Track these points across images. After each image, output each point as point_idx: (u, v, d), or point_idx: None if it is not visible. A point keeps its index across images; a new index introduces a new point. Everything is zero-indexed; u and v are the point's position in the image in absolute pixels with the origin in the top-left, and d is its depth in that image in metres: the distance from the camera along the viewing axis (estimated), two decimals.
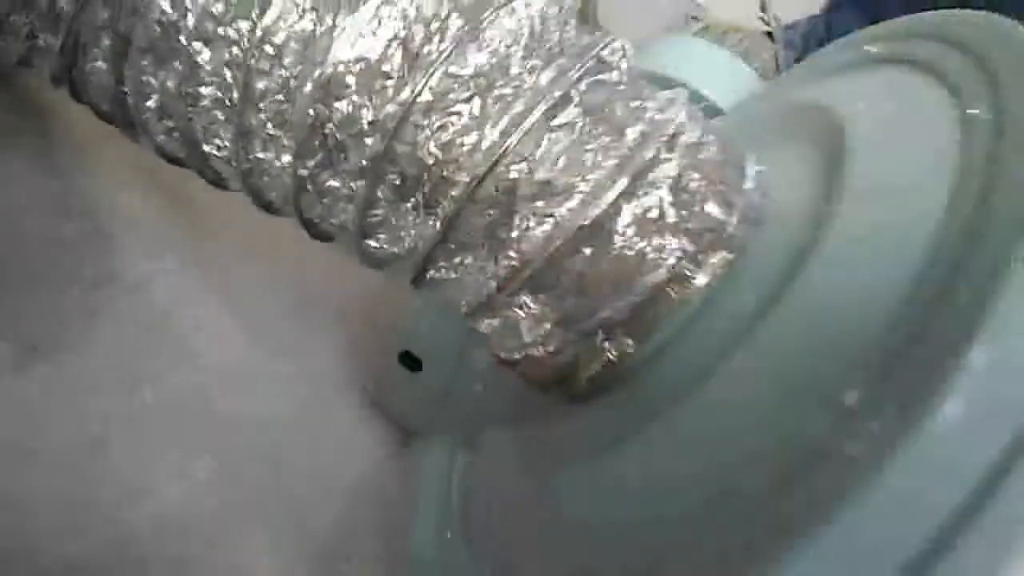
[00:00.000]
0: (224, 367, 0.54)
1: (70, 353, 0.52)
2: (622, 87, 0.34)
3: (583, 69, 0.32)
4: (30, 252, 0.53)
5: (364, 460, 0.55)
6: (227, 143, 0.37)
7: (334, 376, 0.57)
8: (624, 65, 0.34)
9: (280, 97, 0.34)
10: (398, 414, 0.55)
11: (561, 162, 0.31)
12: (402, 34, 0.33)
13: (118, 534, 0.47)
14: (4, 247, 0.52)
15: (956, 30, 0.35)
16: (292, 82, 0.34)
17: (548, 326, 0.34)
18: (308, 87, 0.33)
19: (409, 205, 0.34)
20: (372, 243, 0.36)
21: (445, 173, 0.32)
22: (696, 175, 0.32)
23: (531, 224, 0.32)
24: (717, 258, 0.32)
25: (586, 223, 0.31)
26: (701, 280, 0.32)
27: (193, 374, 0.53)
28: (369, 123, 0.33)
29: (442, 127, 0.32)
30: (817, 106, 0.38)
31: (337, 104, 0.33)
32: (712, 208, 0.32)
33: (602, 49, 0.34)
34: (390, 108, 0.32)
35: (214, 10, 0.35)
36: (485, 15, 0.33)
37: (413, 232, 0.34)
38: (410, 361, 0.53)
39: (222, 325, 0.56)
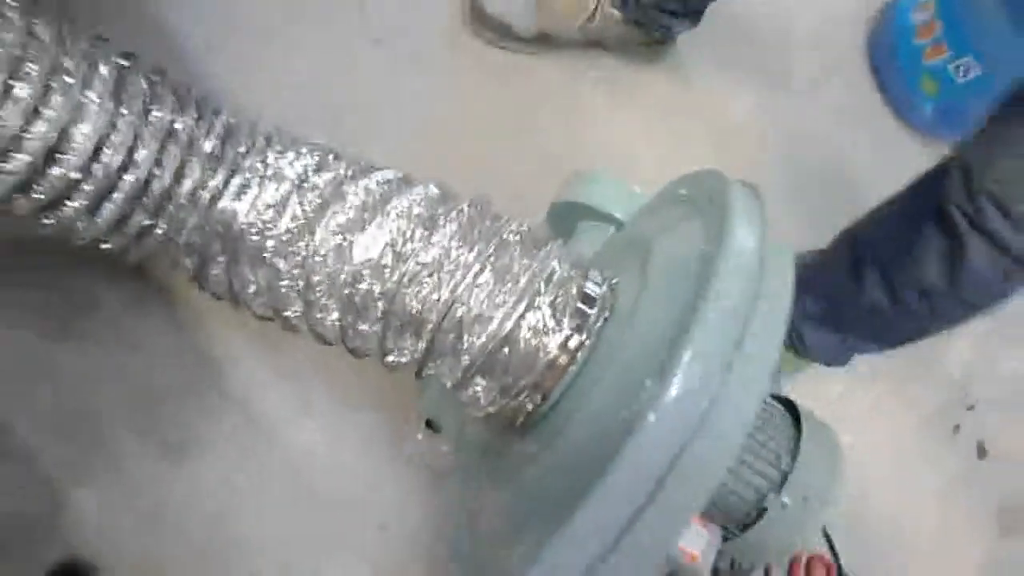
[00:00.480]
0: (310, 447, 0.81)
1: (204, 448, 0.79)
2: (517, 252, 0.60)
3: (493, 247, 0.59)
4: (171, 374, 0.80)
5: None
6: (299, 310, 0.64)
7: (388, 441, 0.83)
8: (518, 239, 0.61)
9: (327, 283, 0.61)
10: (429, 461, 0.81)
11: (485, 303, 0.58)
12: (391, 241, 0.59)
13: None
14: (161, 373, 0.79)
15: (707, 182, 0.61)
16: (333, 274, 0.61)
17: (494, 394, 0.59)
18: (342, 277, 0.60)
19: (407, 335, 0.60)
20: (390, 358, 0.62)
21: (423, 317, 0.58)
22: (562, 297, 0.58)
23: (474, 339, 0.58)
24: (577, 343, 0.58)
25: (503, 335, 0.57)
26: (568, 359, 0.57)
27: (286, 452, 0.80)
28: (379, 294, 0.59)
29: (418, 291, 0.58)
30: (642, 236, 0.64)
31: (359, 285, 0.60)
32: (570, 318, 0.58)
33: (505, 230, 0.60)
34: (389, 285, 0.59)
35: (284, 237, 0.62)
36: (437, 225, 0.59)
37: (409, 350, 0.60)
38: (431, 426, 0.79)
39: (304, 416, 0.82)
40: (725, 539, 0.66)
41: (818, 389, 1.05)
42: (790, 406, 0.69)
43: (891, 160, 1.19)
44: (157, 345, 0.81)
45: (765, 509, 0.64)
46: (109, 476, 0.77)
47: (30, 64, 0.55)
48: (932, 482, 1.10)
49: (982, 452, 1.13)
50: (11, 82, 0.54)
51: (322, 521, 0.82)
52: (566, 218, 0.86)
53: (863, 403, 1.09)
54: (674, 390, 0.48)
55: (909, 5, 1.20)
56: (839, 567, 0.98)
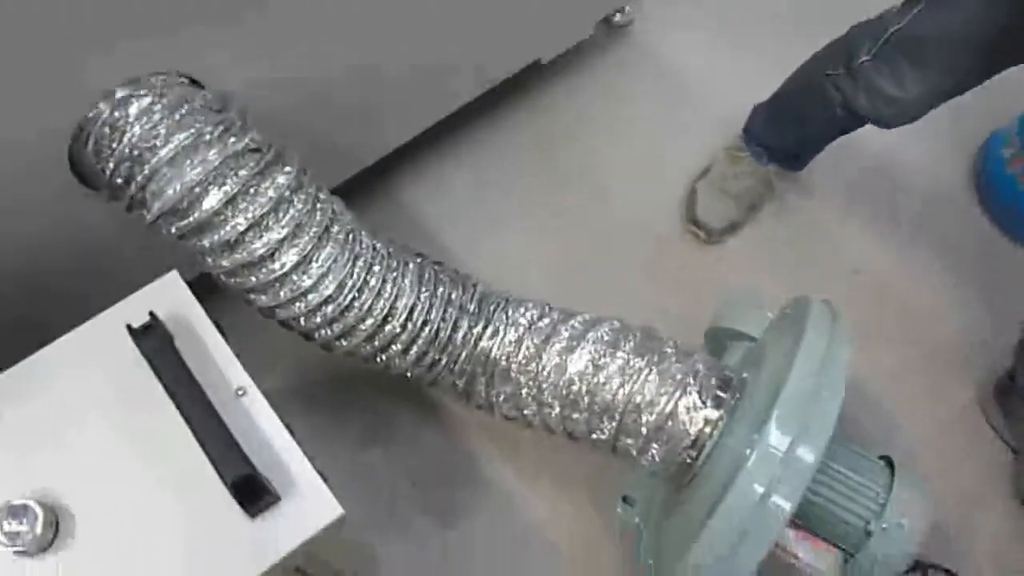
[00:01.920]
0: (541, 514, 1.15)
1: (470, 517, 1.14)
2: (673, 359, 0.93)
3: (656, 356, 0.93)
4: (444, 466, 1.18)
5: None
6: (534, 409, 0.99)
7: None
8: (673, 350, 0.94)
9: (551, 389, 0.97)
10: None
11: (653, 392, 0.91)
12: (591, 358, 0.95)
13: None
14: (438, 465, 1.16)
15: (799, 303, 0.92)
16: (555, 382, 0.96)
17: (665, 455, 0.91)
18: (561, 383, 0.95)
19: (604, 418, 0.94)
20: (593, 436, 0.96)
21: (614, 404, 0.93)
22: (705, 387, 0.90)
23: (648, 417, 0.91)
24: (716, 416, 0.89)
25: (667, 412, 0.90)
26: (711, 428, 0.89)
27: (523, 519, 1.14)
28: (585, 392, 0.94)
29: (609, 388, 0.93)
30: (762, 343, 0.96)
31: (572, 388, 0.95)
32: (711, 400, 0.90)
33: (665, 346, 0.94)
34: (591, 386, 0.94)
35: (522, 361, 0.99)
36: (619, 345, 0.94)
37: (606, 428, 0.94)
38: (627, 500, 1.11)
39: (534, 495, 1.17)
40: (845, 561, 0.93)
41: None
42: (887, 459, 0.96)
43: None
44: (438, 447, 1.20)
45: (871, 533, 0.90)
46: (404, 538, 1.14)
47: (376, 267, 0.96)
48: None
49: None
50: (368, 278, 0.96)
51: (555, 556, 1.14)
52: (719, 339, 1.18)
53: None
54: (767, 441, 0.79)
55: (999, 141, 1.48)
56: None
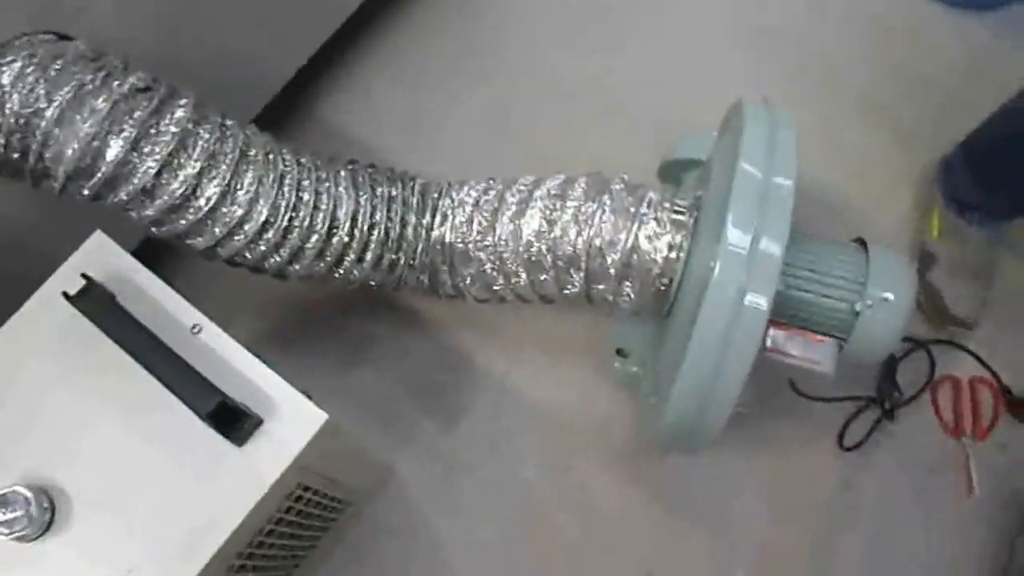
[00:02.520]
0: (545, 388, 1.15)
1: (472, 412, 1.15)
2: (624, 195, 0.91)
3: (606, 196, 0.91)
4: (438, 368, 1.18)
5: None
6: (501, 282, 0.98)
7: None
8: (622, 187, 0.92)
9: (512, 256, 0.95)
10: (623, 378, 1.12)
11: (611, 232, 0.90)
12: (543, 215, 0.93)
13: None
14: (431, 369, 1.17)
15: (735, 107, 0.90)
16: (514, 249, 0.95)
17: (640, 290, 0.91)
18: (520, 248, 0.94)
19: (571, 271, 0.93)
20: (566, 291, 0.95)
21: (577, 254, 0.91)
22: (661, 213, 0.89)
23: (613, 256, 0.90)
24: (680, 239, 0.88)
25: (629, 247, 0.89)
26: (677, 251, 0.88)
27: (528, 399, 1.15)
28: (546, 250, 0.93)
29: (568, 239, 0.92)
30: (710, 158, 0.94)
31: (532, 249, 0.93)
32: (670, 224, 0.89)
33: (613, 184, 0.93)
34: (549, 242, 0.92)
35: (478, 238, 0.97)
36: (568, 195, 0.93)
37: (576, 281, 0.93)
38: (621, 352, 1.11)
39: (532, 372, 1.17)
40: (841, 348, 0.93)
41: None
42: (861, 241, 0.96)
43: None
44: (422, 351, 1.20)
45: (858, 313, 0.90)
46: (411, 448, 1.15)
47: (304, 182, 0.94)
48: None
49: None
50: (300, 194, 0.93)
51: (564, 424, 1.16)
52: (672, 174, 1.16)
53: None
54: (727, 245, 0.78)
55: None
56: (1001, 384, 1.19)
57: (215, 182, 0.87)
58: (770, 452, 1.15)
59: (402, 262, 1.01)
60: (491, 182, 1.01)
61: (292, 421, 0.75)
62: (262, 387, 0.77)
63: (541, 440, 1.15)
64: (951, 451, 1.15)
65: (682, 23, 1.46)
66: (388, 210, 0.99)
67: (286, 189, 0.92)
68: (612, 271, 0.91)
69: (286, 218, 0.92)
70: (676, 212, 0.91)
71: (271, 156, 0.92)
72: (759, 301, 0.79)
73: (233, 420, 0.72)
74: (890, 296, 0.90)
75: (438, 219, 1.00)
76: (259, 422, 0.75)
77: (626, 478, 1.13)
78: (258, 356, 0.80)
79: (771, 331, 0.91)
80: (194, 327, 0.79)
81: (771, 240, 0.80)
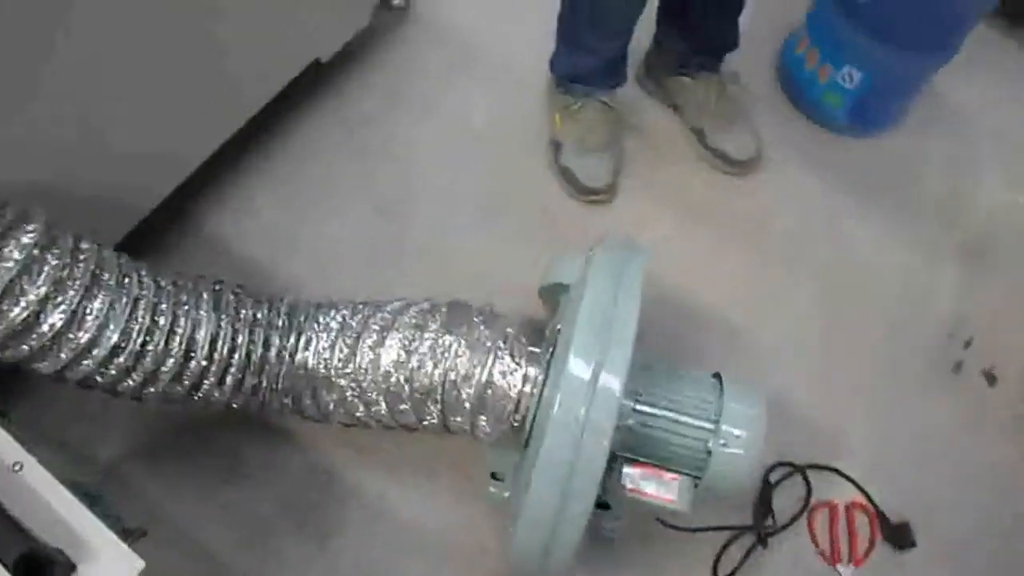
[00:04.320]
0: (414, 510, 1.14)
1: (341, 529, 1.12)
2: (482, 328, 0.92)
3: (464, 328, 0.92)
4: (309, 487, 1.15)
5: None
6: (362, 410, 0.98)
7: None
8: (481, 319, 0.93)
9: (372, 385, 0.95)
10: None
11: (467, 366, 0.90)
12: (402, 345, 0.93)
13: None
14: (303, 487, 1.14)
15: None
16: (374, 378, 0.95)
17: (494, 424, 0.91)
18: (380, 377, 0.94)
19: (429, 403, 0.93)
20: (424, 422, 0.95)
21: (433, 387, 0.91)
22: (518, 348, 0.90)
23: (469, 391, 0.90)
24: (534, 373, 0.89)
25: (483, 382, 0.89)
26: (531, 386, 0.88)
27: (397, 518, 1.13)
28: (404, 381, 0.93)
29: (425, 371, 0.92)
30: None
31: (391, 379, 0.93)
32: (525, 359, 0.89)
33: (473, 316, 0.93)
34: (407, 373, 0.92)
35: (339, 365, 0.97)
36: (427, 326, 0.93)
37: (434, 412, 0.93)
38: (496, 476, 1.10)
39: (401, 491, 1.15)
40: (696, 485, 0.93)
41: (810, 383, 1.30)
42: (718, 376, 0.98)
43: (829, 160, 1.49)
44: (296, 468, 1.18)
45: (710, 452, 0.91)
46: (282, 567, 1.12)
47: (161, 305, 0.93)
48: (947, 420, 1.29)
49: (991, 379, 1.32)
50: (156, 318, 0.92)
51: (437, 549, 1.14)
52: (552, 297, 1.18)
53: (855, 375, 1.32)
54: (567, 379, 0.79)
55: (792, 44, 1.52)
56: (878, 509, 1.20)
57: (60, 308, 0.86)
58: None
59: (264, 385, 1.00)
60: (358, 307, 1.02)
61: (107, 567, 0.73)
62: (79, 531, 0.74)
63: (413, 567, 1.13)
64: None
65: None
66: (251, 333, 0.98)
67: (140, 312, 0.91)
68: (467, 405, 0.92)
69: (138, 342, 0.91)
70: (533, 345, 0.92)
71: (127, 279, 0.92)
72: (601, 430, 0.79)
73: (40, 569, 0.69)
74: (742, 433, 0.92)
75: (302, 342, 1.00)
76: (71, 568, 0.72)
77: None
78: (88, 494, 0.78)
79: (627, 469, 0.92)
80: (15, 465, 0.76)
81: (611, 373, 0.81)
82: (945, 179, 1.51)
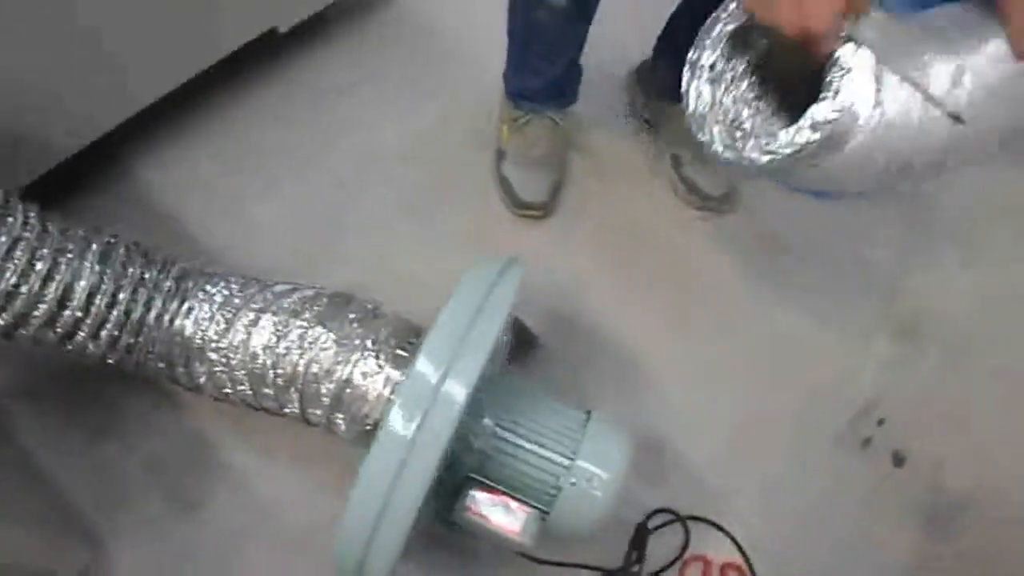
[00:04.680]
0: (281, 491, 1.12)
1: (211, 501, 1.11)
2: (355, 325, 0.91)
3: (336, 323, 0.90)
4: (181, 449, 1.14)
5: None
6: (229, 388, 0.97)
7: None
8: (356, 316, 0.92)
9: (239, 364, 0.94)
10: None
11: (330, 361, 0.89)
12: (274, 330, 0.92)
13: None
14: (175, 449, 1.13)
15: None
16: (242, 358, 0.93)
17: (351, 424, 0.89)
18: (247, 358, 0.93)
19: (290, 391, 0.92)
20: (286, 410, 0.94)
21: (296, 376, 0.90)
22: (386, 350, 0.89)
23: (328, 386, 0.89)
24: (397, 378, 0.87)
25: (343, 380, 0.88)
26: (391, 391, 0.87)
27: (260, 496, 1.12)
28: (269, 365, 0.92)
29: (290, 360, 0.90)
30: None
31: (257, 362, 0.92)
32: (391, 363, 0.88)
33: (350, 312, 0.92)
34: (274, 358, 0.91)
35: (213, 338, 0.96)
36: (302, 314, 0.92)
37: (294, 401, 0.92)
38: None
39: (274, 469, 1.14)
40: (543, 519, 0.92)
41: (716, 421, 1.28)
42: (588, 413, 0.96)
43: (781, 215, 1.46)
44: (173, 433, 1.17)
45: (560, 488, 0.89)
46: (140, 530, 1.11)
47: (43, 250, 0.93)
48: (851, 494, 1.26)
49: (899, 461, 1.30)
50: (33, 261, 0.92)
51: (297, 539, 1.12)
52: None
53: (773, 428, 1.29)
54: (410, 381, 0.78)
55: None
56: (752, 571, 1.18)
57: None
58: None
59: (140, 346, 0.99)
60: (250, 282, 1.01)
61: None
62: None
63: (270, 552, 1.12)
64: None
65: None
66: (134, 292, 0.98)
67: (18, 253, 0.91)
68: (326, 400, 0.90)
69: (11, 282, 0.90)
70: (402, 349, 0.91)
71: (10, 219, 0.91)
72: (434, 442, 0.78)
73: None
74: (600, 474, 0.90)
75: (184, 308, 0.99)
76: None
77: None
78: None
79: (474, 492, 0.90)
80: None
81: (458, 380, 0.79)
82: (895, 250, 1.49)
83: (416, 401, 0.78)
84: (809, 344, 1.37)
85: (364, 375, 0.89)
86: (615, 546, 1.16)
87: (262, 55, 1.43)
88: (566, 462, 0.90)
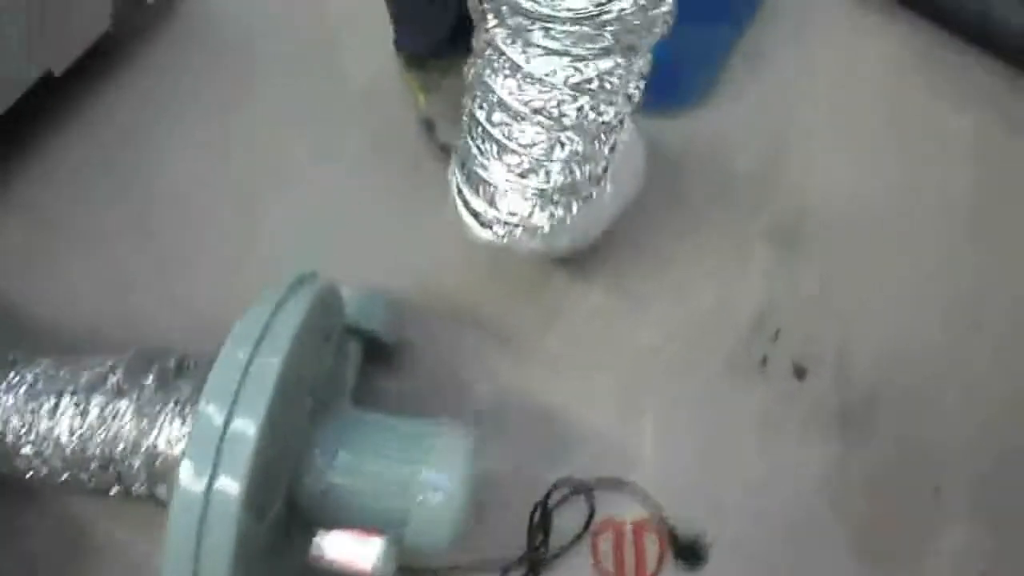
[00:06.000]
0: None
1: None
2: (153, 390, 0.85)
3: (136, 392, 0.85)
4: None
5: None
6: (54, 478, 0.91)
7: None
8: (154, 380, 0.86)
9: (53, 453, 0.88)
10: None
11: (135, 434, 0.83)
12: (75, 412, 0.86)
13: None
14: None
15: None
16: (56, 446, 0.88)
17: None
18: (58, 445, 0.87)
19: (106, 472, 0.86)
20: (111, 492, 0.88)
21: (108, 457, 0.85)
22: (190, 410, 0.83)
23: (138, 460, 0.83)
24: None
25: (152, 451, 0.82)
26: None
27: None
28: (80, 451, 0.86)
29: (95, 440, 0.85)
30: None
31: (67, 449, 0.86)
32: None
33: (148, 376, 0.86)
34: (79, 441, 0.85)
35: (23, 431, 0.90)
36: (100, 388, 0.86)
37: (111, 481, 0.86)
38: None
39: None
40: (399, 543, 0.87)
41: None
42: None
43: None
44: (41, 527, 1.12)
45: (408, 508, 0.85)
46: None
47: None
48: (747, 421, 1.23)
49: (800, 372, 1.26)
50: None
51: None
52: None
53: (660, 367, 1.25)
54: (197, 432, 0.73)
55: None
56: (667, 524, 1.14)
57: None
58: None
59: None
60: (53, 361, 0.94)
61: None
62: None
63: None
64: None
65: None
66: None
67: None
68: (142, 474, 0.85)
69: None
70: None
71: None
72: (229, 484, 0.73)
73: None
74: (446, 485, 0.86)
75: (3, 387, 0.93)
76: None
77: None
78: None
79: (317, 539, 0.85)
80: None
81: (245, 418, 0.75)
82: (757, 155, 1.44)
83: (204, 450, 0.73)
84: (687, 272, 1.33)
85: (169, 443, 0.84)
86: (513, 535, 1.13)
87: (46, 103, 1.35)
88: (407, 480, 0.86)
